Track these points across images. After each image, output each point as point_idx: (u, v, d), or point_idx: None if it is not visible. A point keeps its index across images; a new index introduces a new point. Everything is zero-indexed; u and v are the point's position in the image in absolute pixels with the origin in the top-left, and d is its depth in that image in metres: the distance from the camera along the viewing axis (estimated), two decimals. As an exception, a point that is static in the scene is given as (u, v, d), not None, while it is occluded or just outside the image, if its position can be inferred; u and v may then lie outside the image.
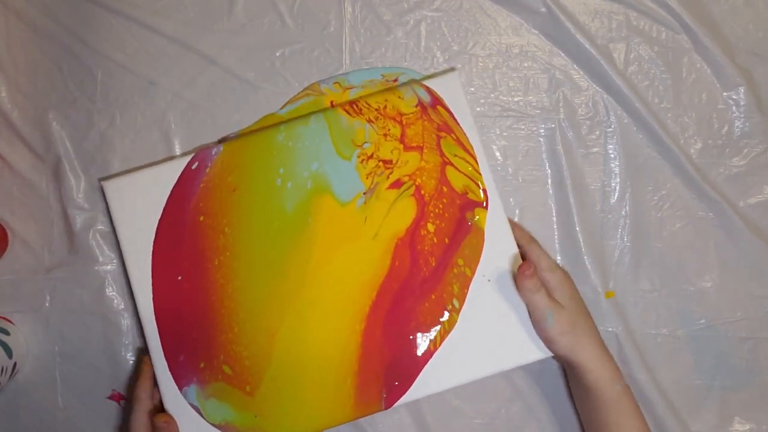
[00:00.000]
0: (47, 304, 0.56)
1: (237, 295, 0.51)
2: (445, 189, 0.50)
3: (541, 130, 0.54)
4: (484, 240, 0.50)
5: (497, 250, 0.49)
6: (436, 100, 0.51)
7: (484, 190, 0.50)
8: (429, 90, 0.51)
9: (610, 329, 0.53)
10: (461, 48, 0.54)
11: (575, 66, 0.54)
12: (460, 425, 0.54)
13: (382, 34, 0.55)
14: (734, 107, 0.54)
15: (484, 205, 0.50)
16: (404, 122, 0.51)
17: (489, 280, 0.49)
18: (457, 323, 0.49)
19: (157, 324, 0.51)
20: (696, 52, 0.54)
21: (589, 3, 0.54)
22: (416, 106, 0.51)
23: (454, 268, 0.50)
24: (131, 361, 0.55)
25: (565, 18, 0.53)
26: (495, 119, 0.55)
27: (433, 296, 0.50)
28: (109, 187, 0.52)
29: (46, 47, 0.55)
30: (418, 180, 0.51)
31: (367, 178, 0.51)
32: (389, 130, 0.51)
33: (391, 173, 0.51)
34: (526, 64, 0.55)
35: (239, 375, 0.50)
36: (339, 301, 0.50)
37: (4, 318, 0.56)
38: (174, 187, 0.52)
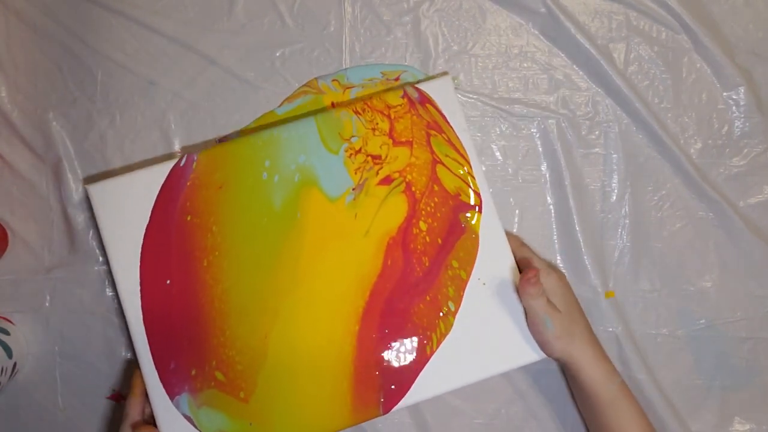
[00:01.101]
0: (47, 304, 0.56)
1: (227, 296, 0.50)
2: (436, 187, 0.50)
3: (541, 131, 0.54)
4: (478, 243, 0.49)
5: (492, 254, 0.49)
6: (425, 99, 0.50)
7: (477, 194, 0.50)
8: (419, 90, 0.50)
9: (610, 329, 0.53)
10: (461, 48, 0.54)
11: (575, 66, 0.54)
12: (460, 425, 0.54)
13: (382, 34, 0.55)
14: (734, 107, 0.54)
15: (478, 208, 0.50)
16: (392, 116, 0.50)
17: (484, 284, 0.49)
18: (453, 326, 0.49)
19: (146, 331, 0.50)
20: (696, 52, 0.54)
21: (589, 3, 0.54)
22: (402, 97, 0.50)
23: (449, 269, 0.49)
24: (131, 361, 0.55)
25: (564, 18, 0.53)
26: (495, 119, 0.55)
27: (428, 297, 0.49)
28: (95, 191, 0.50)
29: (46, 47, 0.55)
30: (409, 176, 0.50)
31: (355, 173, 0.50)
32: (377, 124, 0.50)
33: (380, 169, 0.50)
34: (525, 65, 0.55)
35: (232, 381, 0.49)
36: (331, 300, 0.50)
37: (4, 318, 0.56)
38: (161, 188, 0.50)
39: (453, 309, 0.49)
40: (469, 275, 0.49)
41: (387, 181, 0.50)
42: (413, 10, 0.54)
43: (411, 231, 0.50)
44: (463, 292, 0.49)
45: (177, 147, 0.55)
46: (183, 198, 0.51)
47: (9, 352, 0.53)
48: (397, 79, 0.54)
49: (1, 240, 0.55)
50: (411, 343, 0.49)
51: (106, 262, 0.52)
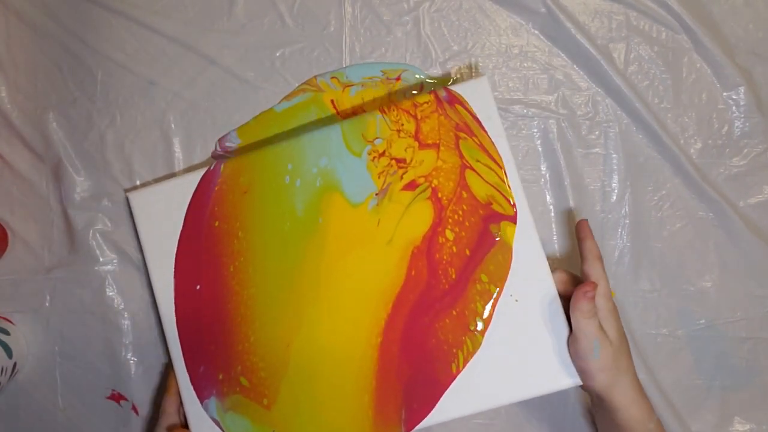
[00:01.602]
0: (47, 304, 0.56)
1: (252, 302, 0.50)
2: (464, 194, 0.47)
3: (541, 131, 0.54)
4: (511, 257, 0.46)
5: (527, 269, 0.45)
6: (455, 99, 0.48)
7: (512, 204, 0.46)
8: (447, 89, 0.48)
9: (610, 329, 0.53)
10: (461, 48, 0.54)
11: (575, 66, 0.54)
12: (460, 425, 0.54)
13: (382, 34, 0.55)
14: (734, 107, 0.54)
15: (512, 219, 0.46)
16: (419, 116, 0.48)
17: (517, 301, 0.45)
18: (482, 345, 0.46)
19: (179, 336, 0.51)
20: (696, 52, 0.54)
21: (589, 3, 0.54)
22: (431, 93, 0.48)
23: (477, 283, 0.46)
24: (131, 362, 0.55)
25: (564, 18, 0.53)
26: (495, 119, 0.55)
27: (454, 312, 0.46)
28: (134, 198, 0.52)
29: (46, 47, 0.55)
30: (435, 182, 0.47)
31: (378, 177, 0.48)
32: (403, 125, 0.48)
33: (405, 173, 0.48)
34: (525, 65, 0.55)
35: (256, 387, 0.49)
36: (353, 311, 0.48)
37: (4, 318, 0.56)
38: (193, 195, 0.51)
39: (481, 326, 0.46)
40: (500, 291, 0.46)
41: (412, 186, 0.48)
42: (413, 10, 0.54)
43: (437, 240, 0.47)
44: (494, 309, 0.46)
45: (177, 147, 0.55)
46: (212, 203, 0.51)
47: (9, 352, 0.53)
48: (398, 78, 0.54)
49: (1, 240, 0.55)
50: (435, 359, 0.46)
51: (145, 267, 0.53)
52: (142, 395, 0.56)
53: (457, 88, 0.48)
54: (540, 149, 0.55)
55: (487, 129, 0.47)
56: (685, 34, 0.53)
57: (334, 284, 0.48)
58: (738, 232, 0.53)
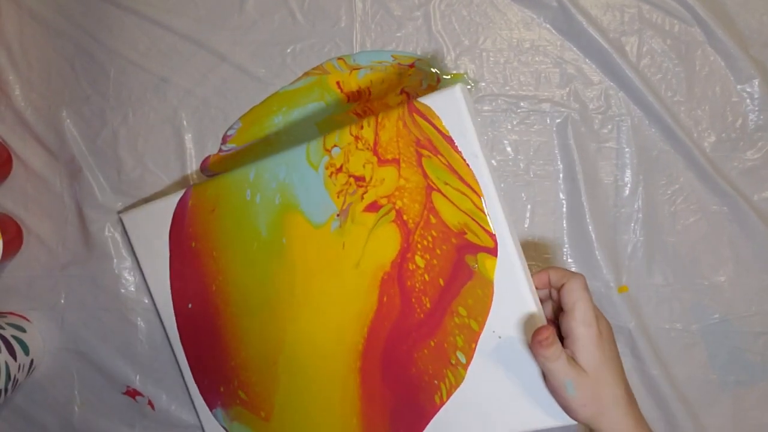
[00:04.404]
0: (62, 301, 0.56)
1: (237, 320, 0.50)
2: (433, 219, 0.42)
3: (553, 125, 0.54)
4: (493, 292, 0.41)
5: (510, 305, 0.40)
6: (416, 111, 0.41)
7: (492, 235, 0.40)
8: (412, 103, 0.41)
9: (624, 324, 0.53)
10: (472, 43, 0.54)
11: (587, 60, 0.54)
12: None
13: (393, 30, 0.54)
14: (748, 100, 0.53)
15: (492, 252, 0.40)
16: (380, 120, 0.42)
17: (500, 337, 0.41)
18: (465, 379, 0.43)
19: (183, 350, 0.52)
20: (709, 45, 0.53)
21: (601, -4, 0.54)
22: (400, 93, 0.46)
23: (455, 317, 0.42)
24: (147, 357, 0.56)
25: (576, 11, 0.52)
26: (506, 114, 0.54)
27: (432, 343, 0.43)
28: (127, 219, 0.53)
29: (60, 45, 0.56)
30: (399, 203, 0.43)
31: (338, 197, 0.44)
32: (362, 128, 0.43)
33: (365, 193, 0.43)
34: (537, 59, 0.54)
35: (253, 400, 0.50)
36: (331, 334, 0.46)
37: (20, 316, 0.57)
38: (173, 215, 0.51)
39: (464, 361, 0.42)
40: (481, 327, 0.41)
41: (374, 207, 0.43)
42: (424, 5, 0.54)
43: (406, 266, 0.43)
44: (475, 344, 0.42)
45: (189, 143, 0.56)
46: (187, 223, 0.51)
47: (26, 350, 0.54)
48: (411, 66, 0.53)
49: (15, 238, 0.56)
50: (418, 388, 0.44)
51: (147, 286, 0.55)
52: (157, 391, 0.56)
53: (425, 100, 0.40)
54: (552, 144, 0.54)
55: (460, 148, 0.40)
56: (698, 26, 0.53)
57: (310, 305, 0.47)
58: (752, 226, 0.53)
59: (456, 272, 0.41)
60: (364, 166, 0.43)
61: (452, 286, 0.42)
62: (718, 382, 0.54)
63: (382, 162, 0.43)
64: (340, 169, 0.44)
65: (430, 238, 0.42)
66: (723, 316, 0.54)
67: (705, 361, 0.54)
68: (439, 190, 0.41)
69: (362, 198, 0.44)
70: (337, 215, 0.45)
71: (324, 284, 0.46)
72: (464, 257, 0.41)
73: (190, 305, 0.51)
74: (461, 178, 0.40)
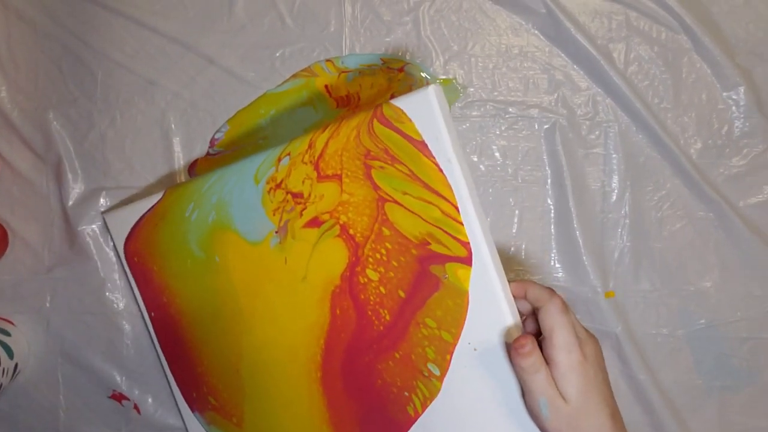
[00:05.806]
0: (48, 305, 0.56)
1: (193, 329, 0.50)
2: (386, 231, 0.40)
3: (541, 131, 0.54)
4: (467, 302, 0.38)
5: (486, 317, 0.38)
6: (377, 115, 0.39)
7: (465, 243, 0.38)
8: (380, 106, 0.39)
9: (611, 329, 0.53)
10: (461, 48, 0.54)
11: (575, 66, 0.54)
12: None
13: (382, 35, 0.55)
14: (734, 107, 0.54)
15: (465, 261, 0.38)
16: (336, 130, 0.41)
17: (475, 349, 0.39)
18: (440, 392, 0.41)
19: (163, 353, 0.53)
20: (696, 53, 0.54)
21: (589, 3, 0.54)
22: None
23: (422, 328, 0.40)
24: (133, 361, 0.56)
25: (564, 18, 0.53)
26: (495, 119, 0.55)
27: (397, 355, 0.42)
28: (110, 218, 0.53)
29: (47, 47, 0.55)
30: (342, 217, 0.41)
31: (274, 215, 0.43)
32: (322, 133, 0.41)
33: (304, 209, 0.42)
34: (525, 65, 0.55)
35: (224, 406, 0.50)
36: (286, 344, 0.46)
37: (4, 319, 0.56)
38: (133, 223, 0.52)
39: (437, 373, 0.41)
40: (456, 338, 0.40)
41: (315, 223, 0.42)
42: (413, 10, 0.54)
43: (357, 280, 0.42)
44: (450, 356, 0.40)
45: (177, 146, 0.55)
46: (135, 236, 0.52)
47: (10, 353, 0.53)
48: (400, 70, 0.53)
49: (1, 240, 0.55)
50: (387, 400, 0.43)
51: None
52: (143, 395, 0.56)
53: (398, 102, 0.38)
54: (540, 149, 0.54)
55: (434, 152, 0.37)
56: (685, 34, 0.53)
57: (261, 318, 0.46)
58: (738, 233, 0.53)
59: (419, 283, 0.40)
60: (303, 182, 0.42)
61: (415, 298, 0.40)
62: (704, 387, 0.54)
63: (321, 178, 0.42)
64: (279, 185, 0.43)
65: (383, 251, 0.40)
66: (709, 321, 0.54)
67: (691, 366, 0.54)
68: (395, 201, 0.39)
69: (301, 214, 0.43)
70: (276, 232, 0.44)
71: (271, 298, 0.45)
72: (428, 268, 0.39)
73: (152, 314, 0.53)
74: (427, 186, 0.38)
